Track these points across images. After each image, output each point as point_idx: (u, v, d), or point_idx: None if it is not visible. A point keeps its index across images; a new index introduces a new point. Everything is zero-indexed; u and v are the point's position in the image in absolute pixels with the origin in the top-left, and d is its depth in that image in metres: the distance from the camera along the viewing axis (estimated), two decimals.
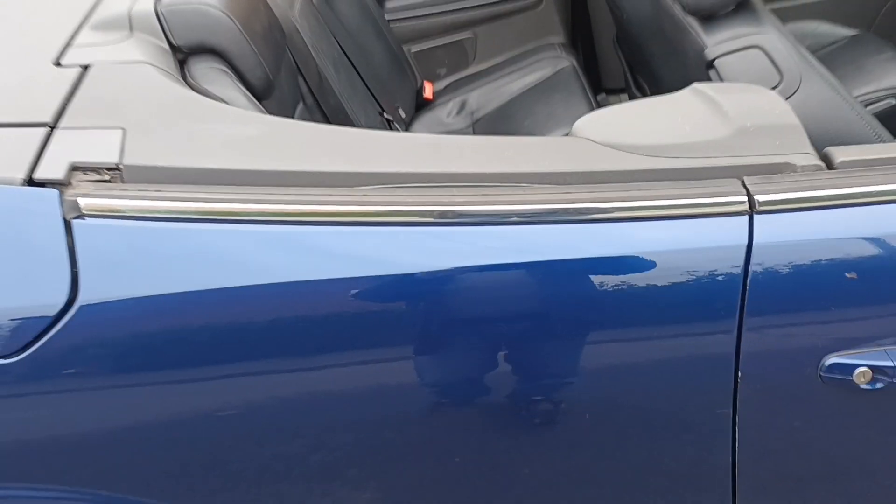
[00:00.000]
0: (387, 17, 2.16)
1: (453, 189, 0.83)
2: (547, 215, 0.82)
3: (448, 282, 0.82)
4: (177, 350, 0.83)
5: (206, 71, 1.09)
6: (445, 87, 2.21)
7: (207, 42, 1.11)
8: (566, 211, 0.82)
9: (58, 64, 1.03)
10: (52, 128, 0.90)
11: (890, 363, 0.82)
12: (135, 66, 1.02)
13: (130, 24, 1.09)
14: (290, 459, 0.89)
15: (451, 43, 2.23)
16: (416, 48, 2.22)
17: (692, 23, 1.09)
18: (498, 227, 0.82)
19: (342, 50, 1.69)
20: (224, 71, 1.10)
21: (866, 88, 1.53)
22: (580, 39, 2.36)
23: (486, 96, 2.11)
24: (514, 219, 0.82)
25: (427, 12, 2.20)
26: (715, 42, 1.05)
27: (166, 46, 1.10)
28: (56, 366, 0.82)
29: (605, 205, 0.82)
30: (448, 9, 2.20)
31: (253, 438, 0.88)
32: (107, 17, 1.11)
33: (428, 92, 2.15)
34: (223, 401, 0.86)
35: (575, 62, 2.12)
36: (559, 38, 2.25)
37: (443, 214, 0.81)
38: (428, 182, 0.84)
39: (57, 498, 0.87)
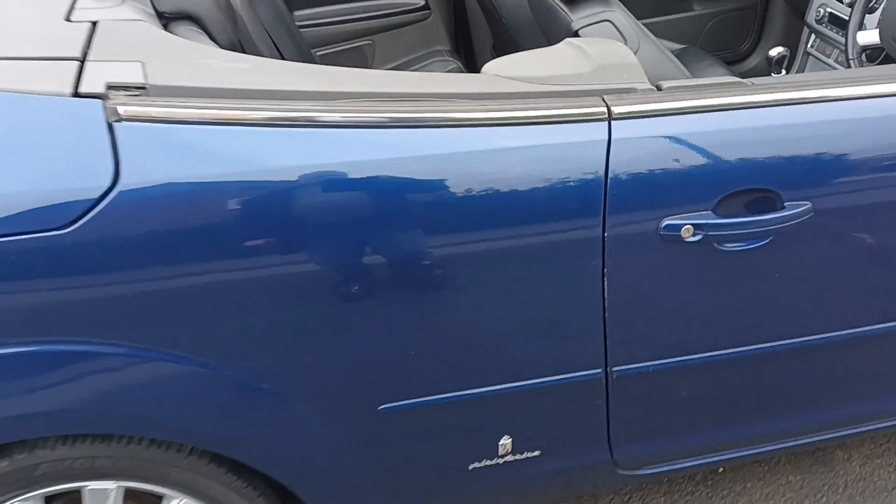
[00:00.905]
0: (297, 23, 2.46)
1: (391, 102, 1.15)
2: (466, 122, 1.15)
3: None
4: (195, 223, 1.09)
5: (186, 31, 1.35)
6: None
7: (186, 9, 1.37)
8: (479, 120, 1.15)
9: (68, 20, 1.27)
10: (83, 61, 1.14)
11: (704, 221, 1.20)
12: (135, 22, 1.28)
13: None
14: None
15: (352, 48, 2.55)
16: (321, 52, 2.52)
17: (560, 5, 1.46)
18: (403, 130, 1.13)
19: (272, 42, 1.97)
20: (200, 32, 1.37)
21: None
22: (462, 47, 2.75)
23: None
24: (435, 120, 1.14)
25: (331, 20, 2.51)
26: (577, 18, 1.43)
27: (153, 11, 1.36)
28: (101, 236, 1.06)
29: (503, 115, 1.16)
30: (350, 18, 2.53)
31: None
32: None
33: None
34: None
35: (461, 65, 2.49)
36: (445, 46, 2.62)
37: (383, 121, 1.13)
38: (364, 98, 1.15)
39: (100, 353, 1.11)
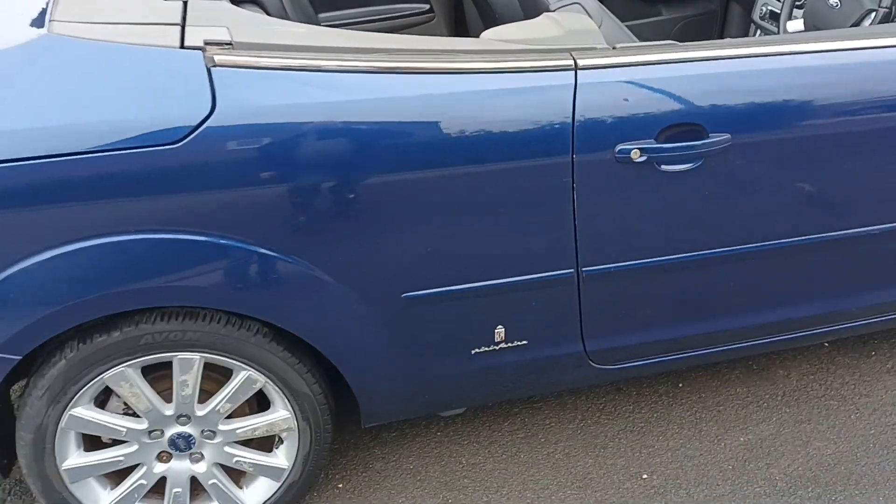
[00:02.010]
0: None
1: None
2: (470, 70, 1.54)
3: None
4: (267, 139, 1.47)
5: (251, 9, 1.75)
6: None
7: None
8: (479, 69, 1.55)
9: (159, 4, 1.66)
10: (183, 26, 1.53)
11: (648, 146, 1.59)
12: (216, 1, 1.67)
13: None
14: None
15: None
16: None
17: None
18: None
19: None
20: (261, 11, 1.77)
21: None
22: None
23: None
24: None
25: (338, 24, 2.90)
26: (553, 4, 1.83)
27: None
28: (208, 151, 1.44)
29: (497, 65, 1.55)
30: (356, 21, 2.92)
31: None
32: None
33: None
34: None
35: None
36: None
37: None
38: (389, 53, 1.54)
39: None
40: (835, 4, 2.18)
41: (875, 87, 1.73)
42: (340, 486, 2.02)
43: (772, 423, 2.14)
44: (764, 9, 2.68)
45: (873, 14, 2.07)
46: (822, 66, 1.70)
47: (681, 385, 2.29)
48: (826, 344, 2.40)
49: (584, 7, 1.80)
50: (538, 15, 1.85)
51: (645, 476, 2.00)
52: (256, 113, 1.47)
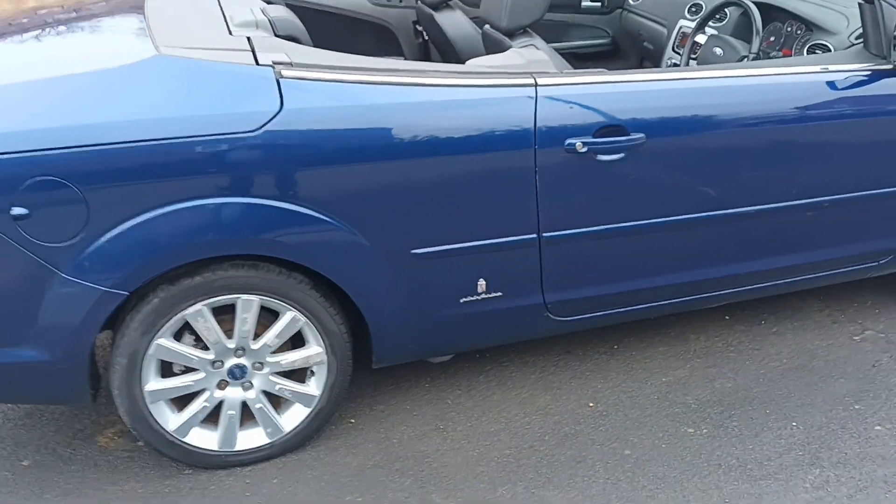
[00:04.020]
0: None
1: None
2: (460, 85, 2.15)
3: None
4: (318, 131, 2.03)
5: (295, 43, 2.34)
6: None
7: (294, 35, 2.36)
8: (466, 84, 2.16)
9: (230, 34, 2.23)
10: (253, 51, 2.10)
11: (588, 140, 2.21)
12: (268, 37, 2.25)
13: (256, 24, 2.32)
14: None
15: None
16: None
17: (504, 38, 2.52)
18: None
19: None
20: (302, 44, 2.36)
21: None
22: None
23: None
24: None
25: None
26: (515, 43, 2.48)
27: (273, 33, 2.33)
28: (277, 138, 1.99)
29: (481, 82, 2.17)
30: None
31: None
32: (242, 20, 2.33)
33: None
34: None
35: None
36: None
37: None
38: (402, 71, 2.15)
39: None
40: (719, 54, 2.91)
41: (740, 101, 2.41)
42: (352, 420, 2.52)
43: (686, 369, 2.75)
44: (669, 62, 3.42)
45: (745, 58, 2.80)
46: (707, 87, 2.39)
47: (615, 347, 2.88)
48: (727, 317, 3.04)
49: (536, 46, 2.46)
50: (500, 50, 2.50)
51: (591, 404, 2.57)
52: (310, 111, 2.04)
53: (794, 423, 2.46)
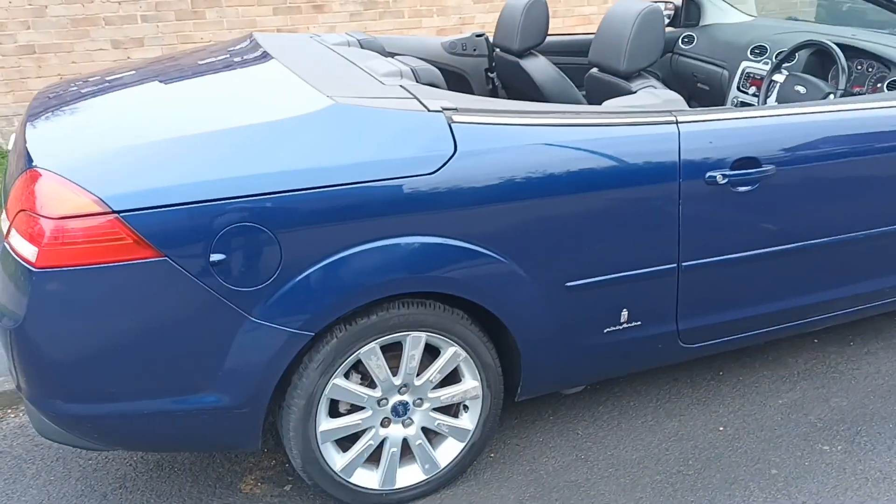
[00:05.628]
0: None
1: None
2: (608, 124, 2.28)
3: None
4: (489, 169, 2.13)
5: (441, 90, 2.43)
6: None
7: (433, 82, 2.46)
8: (612, 123, 2.28)
9: (382, 84, 2.32)
10: (417, 98, 2.19)
11: (726, 173, 2.34)
12: (420, 85, 2.34)
13: (401, 73, 2.42)
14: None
15: None
16: None
17: (621, 82, 2.67)
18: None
19: None
20: (445, 90, 2.46)
21: None
22: None
23: None
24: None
25: None
26: (634, 85, 2.62)
27: (416, 80, 2.43)
28: (452, 179, 2.08)
29: (625, 120, 2.29)
30: None
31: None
32: (386, 70, 2.43)
33: None
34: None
35: None
36: None
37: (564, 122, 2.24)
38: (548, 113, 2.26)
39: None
40: (802, 92, 3.09)
41: (854, 133, 2.58)
42: (493, 455, 2.57)
43: (797, 390, 2.86)
44: (735, 101, 3.61)
45: (830, 95, 2.99)
46: (826, 121, 2.55)
47: (721, 373, 2.99)
48: (815, 340, 3.18)
49: (655, 87, 2.61)
50: (616, 92, 2.64)
51: (721, 428, 2.66)
52: (480, 153, 2.13)
53: None
